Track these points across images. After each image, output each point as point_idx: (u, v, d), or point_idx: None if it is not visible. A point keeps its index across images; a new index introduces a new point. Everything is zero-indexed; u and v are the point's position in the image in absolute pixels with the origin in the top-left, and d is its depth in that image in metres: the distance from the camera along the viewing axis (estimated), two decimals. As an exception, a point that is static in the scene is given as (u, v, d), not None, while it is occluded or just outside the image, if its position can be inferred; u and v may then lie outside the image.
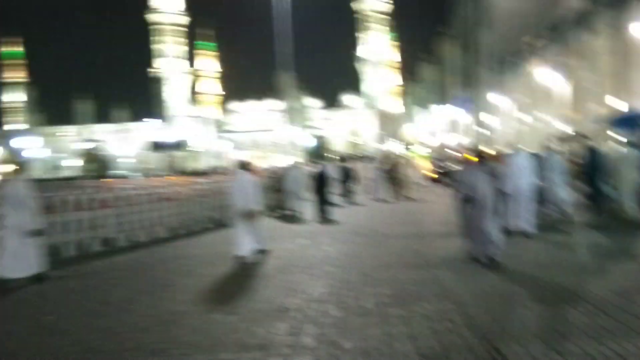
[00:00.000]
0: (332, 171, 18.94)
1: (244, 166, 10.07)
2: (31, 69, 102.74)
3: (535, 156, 11.45)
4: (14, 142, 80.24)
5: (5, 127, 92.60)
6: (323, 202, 15.98)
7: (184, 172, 52.69)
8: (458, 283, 6.86)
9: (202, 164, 75.76)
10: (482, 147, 11.10)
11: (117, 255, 10.43)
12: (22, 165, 8.62)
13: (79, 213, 10.68)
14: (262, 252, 9.39)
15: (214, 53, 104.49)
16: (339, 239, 11.32)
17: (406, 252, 9.31)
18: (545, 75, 30.71)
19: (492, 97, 42.65)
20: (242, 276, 8.06)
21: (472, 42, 50.79)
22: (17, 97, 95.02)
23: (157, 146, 65.19)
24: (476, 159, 8.38)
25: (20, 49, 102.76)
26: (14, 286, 7.75)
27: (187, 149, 75.82)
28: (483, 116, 47.90)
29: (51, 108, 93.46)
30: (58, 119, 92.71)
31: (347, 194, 20.50)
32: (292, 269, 8.27)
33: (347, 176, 20.82)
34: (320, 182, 16.29)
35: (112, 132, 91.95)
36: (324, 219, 15.20)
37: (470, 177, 8.10)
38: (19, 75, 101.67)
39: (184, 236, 12.67)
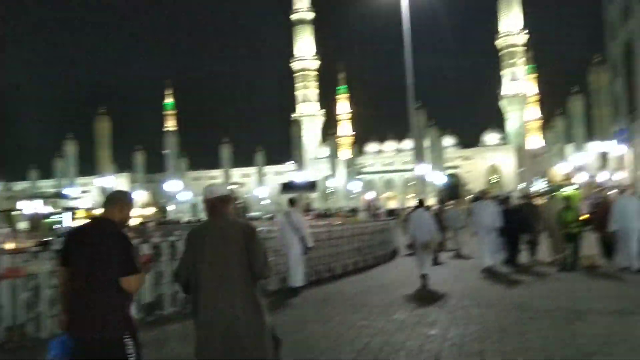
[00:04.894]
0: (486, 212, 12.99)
1: (421, 203, 12.09)
2: (179, 118, 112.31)
3: None
4: (165, 186, 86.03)
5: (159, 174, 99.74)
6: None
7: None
8: None
9: (332, 205, 75.22)
10: None
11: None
12: (296, 199, 11.46)
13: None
14: (424, 276, 11.01)
15: (346, 95, 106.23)
16: (454, 309, 8.66)
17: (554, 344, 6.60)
18: None
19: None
20: None
21: (631, 68, 44.71)
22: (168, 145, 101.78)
23: (288, 187, 65.64)
24: None
25: (171, 100, 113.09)
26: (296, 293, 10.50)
27: (317, 190, 75.81)
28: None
29: (196, 154, 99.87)
30: (202, 163, 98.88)
31: (531, 246, 14.14)
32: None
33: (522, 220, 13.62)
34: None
35: (251, 174, 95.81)
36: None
37: None
38: (171, 124, 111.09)
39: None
